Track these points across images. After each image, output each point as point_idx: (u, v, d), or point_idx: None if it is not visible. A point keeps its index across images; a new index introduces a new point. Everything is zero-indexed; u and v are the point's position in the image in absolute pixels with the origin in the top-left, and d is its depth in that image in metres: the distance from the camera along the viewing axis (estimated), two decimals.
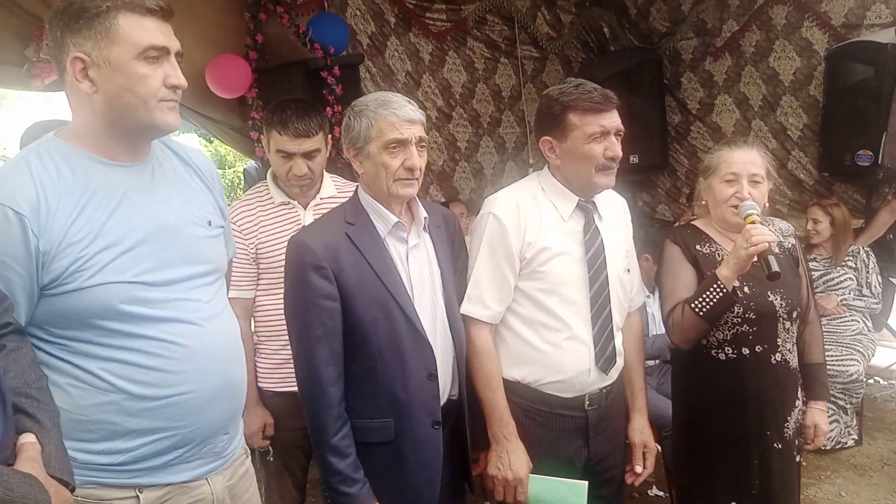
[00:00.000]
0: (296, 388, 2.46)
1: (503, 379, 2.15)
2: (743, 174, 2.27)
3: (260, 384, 2.60)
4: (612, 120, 2.08)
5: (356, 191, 2.01)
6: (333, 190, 2.65)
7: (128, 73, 1.44)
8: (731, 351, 2.28)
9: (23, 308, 1.44)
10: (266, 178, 2.64)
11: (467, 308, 2.11)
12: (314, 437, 1.90)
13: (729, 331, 2.27)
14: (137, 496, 1.54)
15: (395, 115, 1.87)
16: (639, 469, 2.31)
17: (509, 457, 2.07)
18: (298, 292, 1.88)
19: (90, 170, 1.48)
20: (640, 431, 2.32)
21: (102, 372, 1.47)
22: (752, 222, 2.10)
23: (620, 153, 2.10)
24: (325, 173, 2.64)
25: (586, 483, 2.09)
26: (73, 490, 1.31)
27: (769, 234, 2.07)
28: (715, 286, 2.13)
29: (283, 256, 2.44)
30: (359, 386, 1.91)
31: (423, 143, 1.94)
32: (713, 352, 2.30)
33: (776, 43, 5.16)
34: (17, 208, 1.38)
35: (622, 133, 2.12)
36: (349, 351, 1.89)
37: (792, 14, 5.02)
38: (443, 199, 5.53)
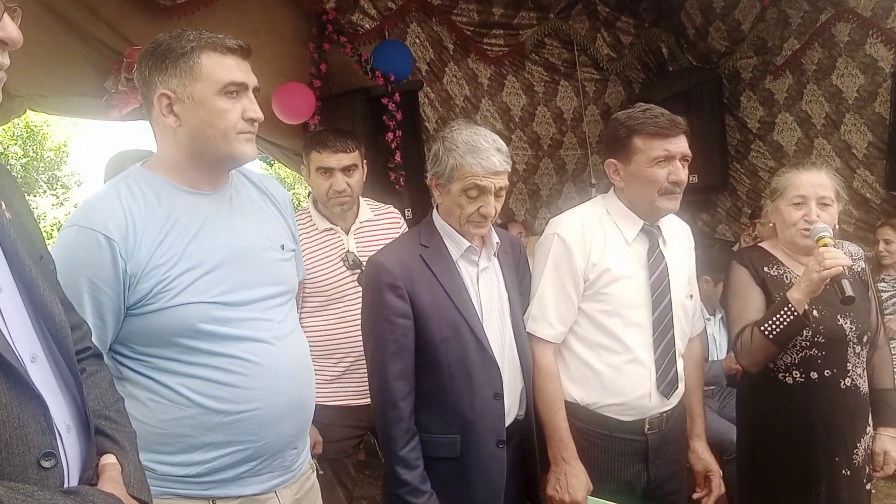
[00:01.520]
0: (346, 402, 2.61)
1: (564, 401, 2.16)
2: (811, 197, 2.23)
3: None
4: (678, 145, 2.08)
5: (431, 215, 2.09)
6: (370, 213, 2.78)
7: (210, 108, 1.54)
8: (799, 375, 2.24)
9: (110, 327, 1.54)
10: (307, 206, 2.76)
11: (532, 327, 2.14)
12: (384, 448, 1.97)
13: (797, 354, 2.23)
14: None
15: (481, 166, 1.92)
16: (701, 494, 2.29)
17: (567, 479, 2.08)
18: (375, 309, 1.96)
19: (174, 198, 1.58)
20: (700, 456, 2.30)
21: (181, 388, 1.56)
22: (825, 245, 2.07)
23: (685, 178, 2.10)
24: (361, 198, 2.76)
25: None
26: None
27: (843, 257, 2.03)
28: (786, 309, 2.09)
29: (328, 281, 2.61)
30: (428, 402, 1.97)
31: (503, 190, 1.99)
32: (781, 375, 2.27)
33: (839, 60, 5.07)
34: (108, 234, 1.48)
35: (689, 159, 2.12)
36: (420, 368, 1.96)
37: (855, 31, 4.92)
38: (499, 221, 5.56)
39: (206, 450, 1.58)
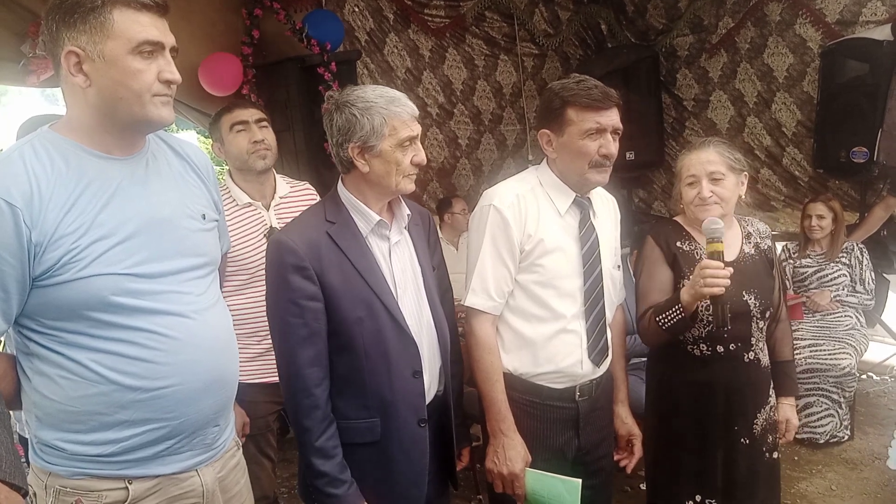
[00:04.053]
0: (268, 380, 2.58)
1: None
2: (702, 175, 2.31)
3: None
4: (610, 118, 2.08)
5: (335, 189, 1.97)
6: (287, 188, 2.79)
7: (122, 68, 1.45)
8: (706, 348, 2.33)
9: (14, 299, 1.45)
10: (224, 181, 2.71)
11: (471, 300, 2.12)
12: (299, 439, 1.88)
13: (704, 329, 2.31)
14: (127, 487, 1.55)
15: (406, 113, 1.85)
16: (622, 457, 2.37)
17: (506, 451, 2.09)
18: (280, 294, 1.84)
19: (84, 162, 1.49)
20: (624, 421, 2.37)
21: (93, 363, 1.48)
22: (713, 251, 2.09)
23: (615, 152, 2.11)
24: (275, 172, 2.78)
25: (580, 481, 2.09)
26: (24, 495, 1.30)
27: (723, 278, 2.05)
28: (677, 307, 2.17)
29: (251, 258, 2.55)
30: (344, 386, 1.89)
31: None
32: (689, 347, 2.35)
33: (770, 39, 5.18)
34: (10, 199, 1.39)
35: (620, 132, 2.12)
36: (334, 352, 1.86)
37: (786, 11, 5.03)
38: (441, 196, 5.55)
39: (121, 428, 1.52)
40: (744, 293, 2.30)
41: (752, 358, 2.35)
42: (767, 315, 2.38)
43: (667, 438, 2.44)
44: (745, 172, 2.37)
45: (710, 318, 2.22)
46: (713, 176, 2.30)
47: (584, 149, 2.08)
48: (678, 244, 2.39)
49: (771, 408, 2.43)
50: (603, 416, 2.31)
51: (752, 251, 2.40)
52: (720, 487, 2.37)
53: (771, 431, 2.43)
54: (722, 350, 2.32)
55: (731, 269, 2.08)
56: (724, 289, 2.06)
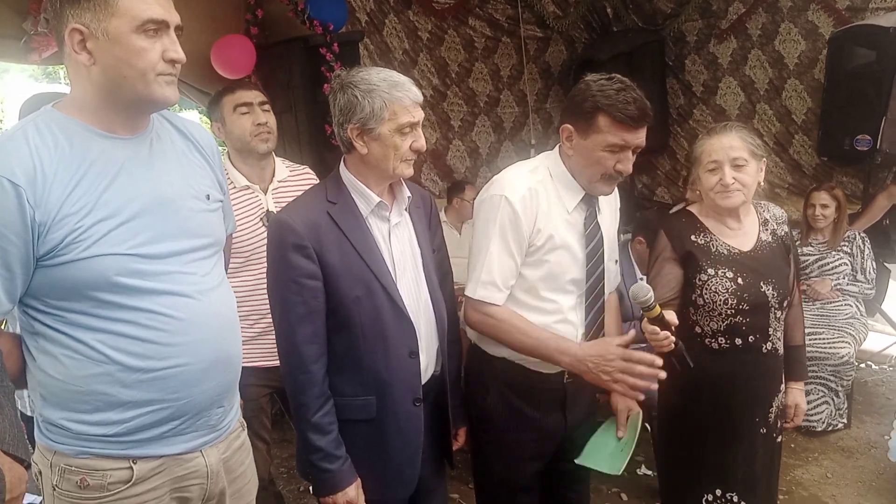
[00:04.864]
0: (260, 363, 2.58)
1: (490, 355, 2.19)
2: (724, 160, 2.25)
3: None
4: (638, 137, 2.02)
5: (337, 170, 1.98)
6: (287, 171, 2.78)
7: (126, 46, 1.43)
8: (724, 341, 2.30)
9: (19, 278, 1.44)
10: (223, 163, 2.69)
11: (481, 293, 2.09)
12: (296, 414, 1.91)
13: (723, 322, 2.28)
14: (131, 467, 1.55)
15: (408, 98, 1.85)
16: (620, 433, 2.32)
17: (590, 349, 2.02)
18: (280, 271, 1.87)
19: (88, 141, 1.48)
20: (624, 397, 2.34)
21: (97, 343, 1.48)
22: (650, 317, 2.01)
23: (630, 169, 2.06)
24: (275, 156, 2.77)
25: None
26: (27, 467, 1.31)
27: (667, 337, 2.00)
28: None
29: (247, 241, 2.55)
30: (341, 364, 1.91)
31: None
32: (707, 341, 2.32)
33: (782, 26, 5.14)
34: (14, 179, 1.38)
35: (641, 149, 2.08)
36: (332, 330, 1.89)
37: None
38: (436, 178, 5.54)
39: (125, 408, 1.52)
40: (762, 284, 2.27)
41: (769, 348, 2.32)
42: (784, 304, 2.34)
43: (684, 433, 2.41)
44: (764, 158, 2.32)
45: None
46: (736, 162, 2.25)
47: (602, 160, 2.03)
48: (692, 238, 2.34)
49: (783, 394, 2.41)
50: (587, 396, 2.31)
51: (770, 238, 2.36)
52: (740, 479, 2.35)
53: (781, 417, 2.43)
54: (741, 342, 2.28)
55: (670, 336, 2.00)
56: (673, 346, 2.01)
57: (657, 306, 1.98)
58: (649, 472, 3.72)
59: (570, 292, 2.13)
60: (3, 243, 1.40)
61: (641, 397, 2.09)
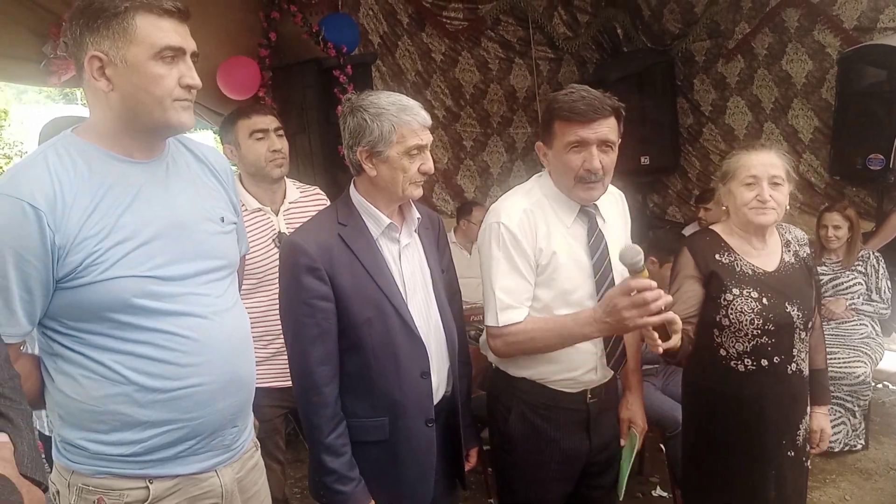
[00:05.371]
0: (274, 384, 2.57)
1: (510, 377, 2.18)
2: (763, 177, 2.24)
3: None
4: (595, 131, 2.00)
5: (347, 192, 2.00)
6: (297, 193, 2.79)
7: (144, 73, 1.47)
8: (750, 363, 2.28)
9: (39, 301, 1.47)
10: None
11: (503, 319, 2.07)
12: (309, 436, 1.91)
13: (749, 343, 2.27)
14: (147, 487, 1.57)
15: (417, 122, 1.87)
16: (623, 441, 2.35)
17: (600, 306, 1.96)
18: (293, 293, 1.88)
19: (106, 166, 1.51)
20: (628, 407, 2.36)
21: (115, 364, 1.50)
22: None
23: (599, 166, 2.02)
24: (286, 178, 2.78)
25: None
26: (45, 490, 1.32)
27: (658, 292, 1.88)
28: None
29: (259, 263, 2.56)
30: (353, 385, 1.92)
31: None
32: (733, 363, 2.30)
33: (788, 46, 5.17)
34: (35, 203, 1.41)
35: (612, 144, 2.06)
36: (344, 351, 1.90)
37: (804, 17, 5.01)
38: (448, 198, 5.56)
39: (142, 428, 1.54)
40: (787, 304, 2.25)
41: (794, 370, 2.30)
42: (808, 325, 2.32)
43: (711, 455, 2.39)
44: (791, 184, 2.32)
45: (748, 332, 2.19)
46: (774, 180, 2.24)
47: (568, 163, 2.03)
48: (717, 257, 2.32)
49: (808, 416, 2.39)
50: (612, 415, 2.31)
51: (792, 259, 2.35)
52: (772, 502, 2.32)
53: (808, 440, 2.41)
54: (766, 364, 2.26)
55: (661, 292, 1.88)
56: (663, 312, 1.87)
57: (646, 269, 1.90)
58: (664, 494, 3.68)
59: (585, 307, 2.10)
60: (23, 266, 1.43)
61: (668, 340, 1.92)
